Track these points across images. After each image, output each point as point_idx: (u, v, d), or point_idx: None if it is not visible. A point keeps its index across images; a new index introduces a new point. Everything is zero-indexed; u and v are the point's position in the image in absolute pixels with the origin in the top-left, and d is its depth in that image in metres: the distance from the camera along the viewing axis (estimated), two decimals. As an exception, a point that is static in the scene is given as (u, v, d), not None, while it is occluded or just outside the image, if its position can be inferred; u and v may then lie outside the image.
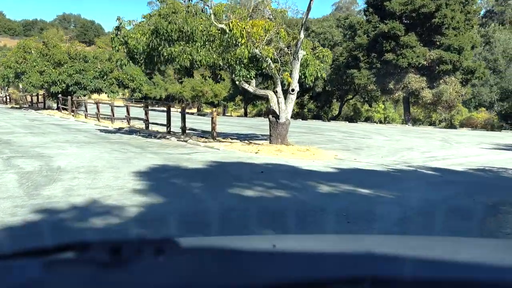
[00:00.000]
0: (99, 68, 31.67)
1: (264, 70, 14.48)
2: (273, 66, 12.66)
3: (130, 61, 14.03)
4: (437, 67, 31.63)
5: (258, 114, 55.66)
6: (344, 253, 0.96)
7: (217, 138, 15.70)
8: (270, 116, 13.77)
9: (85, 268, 0.74)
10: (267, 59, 12.41)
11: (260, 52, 12.04)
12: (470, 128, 31.77)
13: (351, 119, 45.64)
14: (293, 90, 13.33)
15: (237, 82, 14.51)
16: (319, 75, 14.81)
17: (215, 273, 0.76)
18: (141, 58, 13.63)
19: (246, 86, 14.51)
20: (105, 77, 31.68)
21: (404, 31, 31.79)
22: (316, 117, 46.18)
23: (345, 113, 49.34)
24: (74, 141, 13.32)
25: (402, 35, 31.65)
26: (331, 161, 11.43)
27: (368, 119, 48.37)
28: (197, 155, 10.99)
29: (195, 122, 27.69)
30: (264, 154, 12.12)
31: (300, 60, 13.27)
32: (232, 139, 16.73)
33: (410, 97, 35.44)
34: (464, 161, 12.00)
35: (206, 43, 13.05)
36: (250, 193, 6.23)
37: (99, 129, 18.73)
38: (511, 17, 60.86)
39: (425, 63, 31.76)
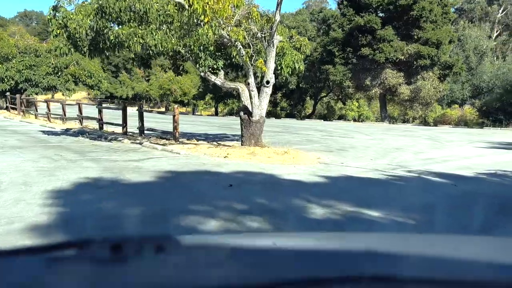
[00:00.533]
0: (52, 64, 28.67)
1: (234, 60, 12.37)
2: (243, 53, 10.58)
3: (72, 49, 11.62)
4: (415, 62, 30.36)
5: (230, 113, 53.39)
6: (344, 251, 0.95)
7: (179, 140, 13.48)
8: (242, 113, 11.69)
9: (85, 266, 0.75)
10: (236, 43, 10.31)
11: (228, 35, 9.92)
12: (451, 126, 30.69)
13: (324, 117, 44.17)
14: (268, 82, 11.28)
15: (202, 74, 12.34)
16: (296, 66, 12.85)
17: (216, 270, 0.75)
18: (85, 44, 11.25)
19: (212, 78, 12.38)
20: (59, 73, 28.73)
21: (381, 25, 30.35)
22: (290, 115, 44.46)
23: (319, 111, 47.90)
24: None
25: (379, 28, 30.20)
26: (315, 166, 9.47)
27: (342, 117, 47.00)
28: (150, 162, 8.77)
29: (161, 121, 25.34)
30: (234, 158, 10.02)
31: (275, 47, 11.24)
32: (198, 140, 14.56)
33: (387, 94, 34.13)
34: (468, 163, 10.29)
35: (163, 25, 10.83)
36: (211, 225, 4.13)
37: (42, 131, 16.12)
38: (480, 15, 61.14)
39: (402, 58, 30.43)
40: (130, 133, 15.96)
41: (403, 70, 31.45)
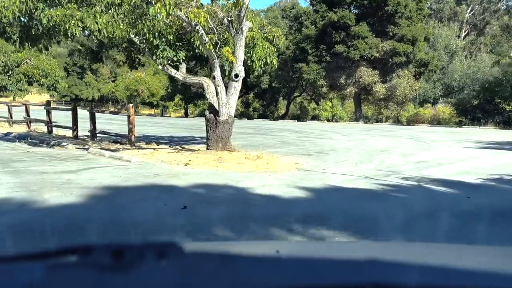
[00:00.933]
0: (2, 62, 26.12)
1: (197, 50, 10.70)
2: (207, 39, 8.93)
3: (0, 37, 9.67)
4: (390, 60, 29.44)
5: (201, 115, 51.49)
6: (347, 260, 0.95)
7: (136, 144, 11.68)
8: (207, 113, 10.03)
9: (87, 272, 0.75)
10: (197, 28, 8.65)
11: (187, 17, 8.24)
12: (428, 125, 29.95)
13: (298, 118, 43.00)
14: (236, 75, 9.67)
15: (159, 67, 10.61)
16: (269, 60, 11.35)
17: (218, 278, 0.75)
18: (15, 31, 9.32)
19: (172, 72, 10.68)
20: (10, 72, 26.20)
21: (355, 21, 29.28)
22: (262, 116, 43.03)
23: (292, 112, 46.73)
24: None
25: (353, 24, 29.12)
26: (294, 173, 7.93)
27: (315, 118, 45.95)
28: (88, 173, 6.98)
29: (123, 124, 23.57)
30: (197, 166, 8.35)
31: (245, 34, 9.65)
32: (159, 144, 12.80)
33: (362, 93, 33.16)
34: (466, 167, 9.00)
35: (111, 7, 9.04)
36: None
37: (-24, 136, 13.96)
38: (449, 14, 61.63)
39: (377, 55, 29.46)
40: (82, 137, 14.02)
41: (378, 68, 30.51)
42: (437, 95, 46.62)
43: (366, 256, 0.94)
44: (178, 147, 12.14)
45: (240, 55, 9.67)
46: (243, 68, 9.85)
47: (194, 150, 10.63)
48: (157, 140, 14.85)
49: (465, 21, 63.55)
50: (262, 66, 11.41)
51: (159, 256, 0.78)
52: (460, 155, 10.96)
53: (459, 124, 27.65)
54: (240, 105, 52.20)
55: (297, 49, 32.51)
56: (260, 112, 45.64)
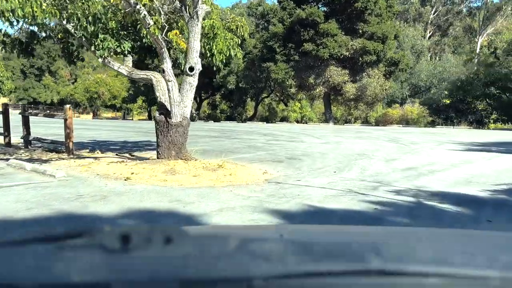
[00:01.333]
0: None
1: (146, 40, 8.98)
2: (150, 22, 7.23)
3: None
4: (360, 58, 28.50)
5: None
6: (351, 245, 0.94)
7: (75, 153, 9.82)
8: (157, 114, 8.32)
9: (94, 254, 0.75)
10: (138, 7, 6.96)
11: (124, -8, 6.53)
12: (401, 125, 29.19)
13: (266, 119, 41.70)
14: (191, 69, 8.02)
15: (99, 60, 8.79)
16: (232, 53, 9.77)
17: (223, 261, 0.75)
18: None
19: (115, 66, 8.91)
20: None
21: (324, 18, 28.17)
22: (230, 118, 41.39)
23: (260, 113, 45.38)
24: None
25: (322, 22, 28.00)
26: (263, 188, 6.37)
27: (284, 119, 44.83)
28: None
29: (78, 129, 21.65)
30: (140, 181, 6.65)
31: (201, 19, 8.02)
32: (107, 151, 10.98)
33: (332, 93, 32.12)
34: (463, 174, 7.72)
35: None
36: None
37: None
38: (414, 15, 62.15)
39: (347, 54, 28.46)
40: (16, 145, 11.98)
41: (348, 67, 29.53)
42: (405, 95, 46.46)
43: (370, 241, 0.95)
44: (127, 154, 10.37)
45: (196, 44, 8.03)
46: (199, 60, 8.21)
47: (145, 159, 8.91)
48: (107, 146, 13.01)
49: (429, 22, 64.28)
50: (224, 60, 9.81)
51: (165, 239, 0.79)
52: (449, 159, 9.73)
53: (432, 124, 26.98)
54: (207, 106, 50.33)
55: (265, 48, 31.11)
56: (228, 114, 44.01)
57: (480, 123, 24.36)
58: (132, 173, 7.10)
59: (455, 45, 64.78)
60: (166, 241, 0.79)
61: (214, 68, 10.25)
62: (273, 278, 0.67)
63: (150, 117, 49.59)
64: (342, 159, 9.99)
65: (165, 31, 7.40)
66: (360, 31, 28.20)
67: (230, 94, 37.50)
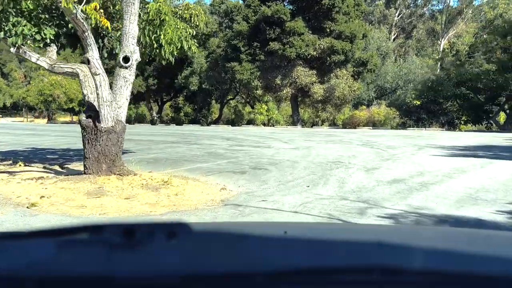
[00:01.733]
0: None
1: (72, 26, 7.17)
2: (62, -7, 5.46)
3: None
4: (328, 58, 27.39)
5: (140, 120, 46.71)
6: (355, 242, 0.94)
7: (-14, 166, 7.84)
8: (82, 117, 6.52)
9: (98, 249, 0.76)
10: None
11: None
12: (371, 128, 28.28)
13: (232, 122, 40.09)
14: (126, 59, 6.30)
15: (12, 49, 6.92)
16: (185, 46, 8.18)
17: (226, 257, 0.77)
18: None
19: (34, 57, 7.09)
20: None
21: (290, 16, 26.90)
22: (194, 121, 39.44)
23: (226, 116, 43.69)
24: None
25: (288, 20, 26.70)
26: (216, 214, 4.81)
27: (251, 122, 43.36)
28: None
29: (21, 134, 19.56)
30: (50, 207, 4.89)
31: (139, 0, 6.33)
32: (32, 163, 9.06)
33: (299, 95, 30.89)
34: (463, 188, 6.38)
35: None
36: None
37: None
38: (379, 17, 62.39)
39: (315, 53, 27.29)
40: None
41: (316, 68, 28.38)
42: (371, 97, 46.07)
43: (374, 239, 0.94)
44: (57, 167, 8.48)
45: (132, 28, 6.33)
46: (137, 49, 6.51)
47: (78, 173, 7.09)
48: (44, 155, 11.10)
49: (394, 24, 64.76)
50: (176, 52, 8.16)
51: (169, 234, 0.78)
52: (437, 167, 8.43)
53: (403, 126, 26.15)
54: (170, 109, 48.05)
55: (229, 47, 29.50)
56: (193, 117, 42.03)
57: (451, 125, 23.73)
58: (43, 196, 5.30)
59: (418, 48, 65.58)
60: (169, 236, 0.78)
61: (164, 63, 8.55)
62: (277, 275, 0.68)
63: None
64: (315, 168, 8.52)
65: (83, 4, 5.63)
66: (328, 30, 27.10)
67: (193, 96, 35.58)
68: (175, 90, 35.61)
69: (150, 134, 20.92)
